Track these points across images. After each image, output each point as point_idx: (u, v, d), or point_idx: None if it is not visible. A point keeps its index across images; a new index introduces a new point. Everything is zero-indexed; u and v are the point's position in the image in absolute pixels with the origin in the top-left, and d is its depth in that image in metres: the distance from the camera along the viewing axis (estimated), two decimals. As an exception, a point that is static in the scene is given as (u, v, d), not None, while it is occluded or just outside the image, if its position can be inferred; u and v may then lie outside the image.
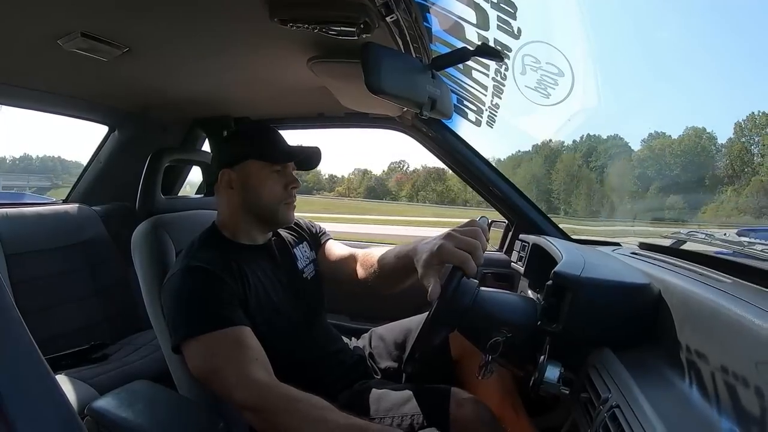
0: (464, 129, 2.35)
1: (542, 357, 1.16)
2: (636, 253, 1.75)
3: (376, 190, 53.33)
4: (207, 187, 2.18)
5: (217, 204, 1.66)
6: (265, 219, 1.62)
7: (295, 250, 1.76)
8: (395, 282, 1.65)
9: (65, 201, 2.85)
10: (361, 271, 1.74)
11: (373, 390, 1.55)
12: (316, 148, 1.67)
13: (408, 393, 1.51)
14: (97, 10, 1.23)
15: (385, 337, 1.85)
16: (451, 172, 2.63)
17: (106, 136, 2.76)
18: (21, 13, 1.25)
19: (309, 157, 1.67)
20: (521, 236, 2.39)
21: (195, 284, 1.41)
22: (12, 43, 1.46)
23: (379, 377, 1.74)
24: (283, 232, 1.78)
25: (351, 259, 1.79)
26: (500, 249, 2.63)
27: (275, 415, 1.27)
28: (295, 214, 1.70)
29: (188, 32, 1.38)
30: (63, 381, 1.86)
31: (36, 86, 2.00)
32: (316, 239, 1.88)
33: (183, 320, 1.38)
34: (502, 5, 1.33)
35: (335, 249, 1.86)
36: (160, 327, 1.55)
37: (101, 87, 2.04)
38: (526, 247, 2.23)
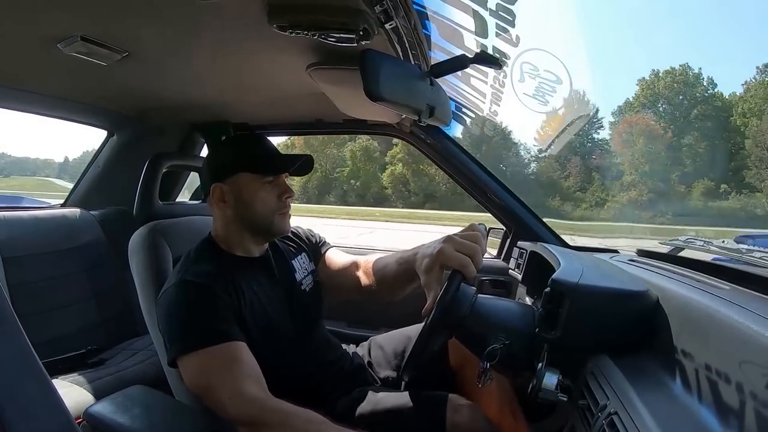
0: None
1: (540, 364, 1.16)
2: (634, 260, 1.75)
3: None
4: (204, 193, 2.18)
5: (212, 215, 1.64)
6: (260, 231, 1.60)
7: (293, 261, 1.74)
8: (398, 288, 1.66)
9: (63, 205, 2.85)
10: (363, 279, 1.74)
11: (371, 396, 1.55)
12: (308, 156, 1.64)
13: (405, 399, 1.51)
14: (97, 14, 1.24)
15: (384, 346, 1.84)
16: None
17: (105, 140, 2.76)
18: (21, 16, 1.25)
19: (303, 165, 1.64)
20: (519, 243, 2.39)
21: (189, 299, 1.40)
22: (12, 46, 1.46)
23: (378, 386, 1.73)
24: (280, 243, 1.76)
25: (353, 267, 1.79)
26: (498, 256, 2.63)
27: (270, 431, 1.27)
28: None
29: (187, 38, 1.39)
30: (59, 385, 1.85)
31: (35, 89, 2.00)
32: (316, 249, 1.87)
33: (177, 335, 1.38)
34: (500, 13, 1.33)
35: (336, 258, 1.85)
36: (157, 333, 1.55)
37: (100, 91, 2.05)
38: (524, 254, 2.22)
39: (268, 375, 1.37)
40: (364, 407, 1.51)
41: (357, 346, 1.91)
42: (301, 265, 1.76)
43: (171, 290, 1.43)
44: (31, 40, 1.41)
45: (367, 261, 1.77)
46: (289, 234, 1.79)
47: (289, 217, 1.63)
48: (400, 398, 1.52)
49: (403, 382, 1.69)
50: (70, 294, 2.42)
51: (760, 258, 1.24)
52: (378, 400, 1.53)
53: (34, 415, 0.67)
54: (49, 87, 1.99)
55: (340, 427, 1.30)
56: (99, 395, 1.86)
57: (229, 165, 1.56)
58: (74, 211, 2.66)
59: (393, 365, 1.78)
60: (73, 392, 1.87)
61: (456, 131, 2.51)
